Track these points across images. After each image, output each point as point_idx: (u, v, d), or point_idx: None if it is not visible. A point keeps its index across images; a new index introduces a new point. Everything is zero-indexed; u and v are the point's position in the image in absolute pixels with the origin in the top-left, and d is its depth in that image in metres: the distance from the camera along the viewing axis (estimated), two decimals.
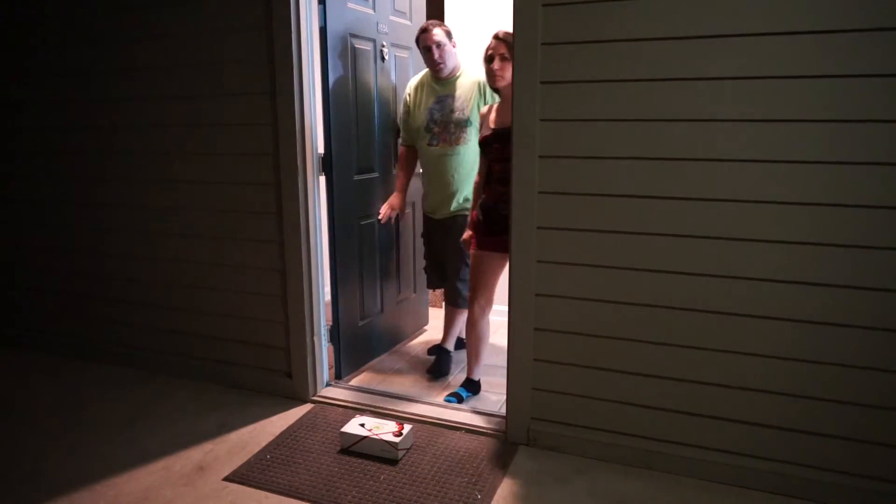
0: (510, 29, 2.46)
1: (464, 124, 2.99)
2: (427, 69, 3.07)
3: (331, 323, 2.98)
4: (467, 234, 2.87)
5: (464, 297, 3.02)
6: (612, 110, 2.09)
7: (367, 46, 2.97)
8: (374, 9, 3.00)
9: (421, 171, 3.22)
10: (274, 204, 2.71)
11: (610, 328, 2.24)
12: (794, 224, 1.96)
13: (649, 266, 2.15)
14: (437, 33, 2.91)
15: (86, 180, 3.10)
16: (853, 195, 1.88)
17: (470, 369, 2.89)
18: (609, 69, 2.06)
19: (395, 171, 3.27)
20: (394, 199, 3.21)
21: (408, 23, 3.28)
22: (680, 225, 2.08)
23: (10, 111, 3.21)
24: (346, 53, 2.85)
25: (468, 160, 3.02)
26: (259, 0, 2.54)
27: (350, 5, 2.85)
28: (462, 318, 3.13)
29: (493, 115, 2.67)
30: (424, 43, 2.93)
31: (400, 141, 3.22)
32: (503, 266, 2.65)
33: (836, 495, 2.06)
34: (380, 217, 3.16)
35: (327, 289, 2.98)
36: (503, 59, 2.54)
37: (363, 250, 3.10)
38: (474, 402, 2.81)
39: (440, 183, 3.08)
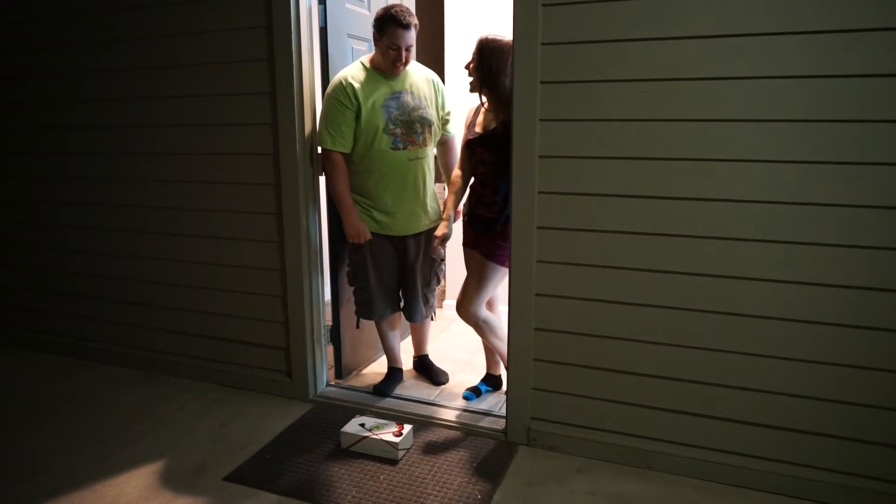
0: (502, 30, 2.47)
1: (428, 124, 2.68)
2: (360, 62, 2.64)
3: (331, 323, 2.98)
4: (442, 231, 2.66)
5: (430, 305, 2.90)
6: (612, 110, 2.08)
7: (363, 47, 2.97)
8: (368, 9, 3.00)
9: (362, 181, 2.68)
10: (274, 204, 2.71)
11: (610, 328, 2.24)
12: (794, 224, 1.96)
13: (649, 266, 2.15)
14: (413, 35, 2.53)
15: (85, 180, 3.10)
16: (854, 195, 1.88)
17: (488, 364, 2.91)
18: (609, 69, 2.06)
19: (336, 186, 2.62)
20: (359, 222, 2.66)
21: None
22: (680, 225, 2.08)
23: (11, 111, 3.21)
24: (345, 53, 2.85)
25: (431, 164, 2.77)
26: (259, 0, 2.54)
27: (348, 6, 2.86)
28: (428, 324, 3.03)
29: (479, 118, 2.60)
30: (396, 41, 2.49)
31: (331, 146, 2.58)
32: (486, 266, 2.60)
33: (836, 495, 2.06)
34: (356, 242, 2.70)
35: (327, 289, 2.98)
36: (474, 70, 2.48)
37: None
38: (477, 402, 2.80)
39: (409, 192, 2.68)
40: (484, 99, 2.54)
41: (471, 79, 2.52)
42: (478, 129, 2.59)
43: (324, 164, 2.67)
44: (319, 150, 2.66)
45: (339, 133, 2.58)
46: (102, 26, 2.88)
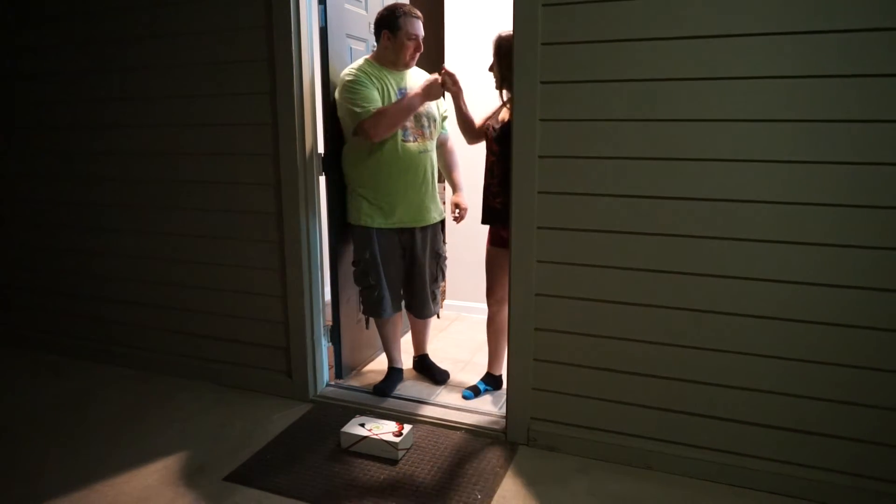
0: (508, 29, 2.48)
1: (433, 119, 2.75)
2: (366, 59, 2.69)
3: (331, 323, 2.98)
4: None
5: (437, 302, 2.93)
6: (612, 110, 2.09)
7: (361, 47, 2.98)
8: (366, 9, 3.01)
9: (373, 174, 2.68)
10: (274, 204, 2.71)
11: (610, 328, 2.24)
12: (794, 224, 1.96)
13: (649, 266, 2.15)
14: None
15: (85, 180, 3.10)
16: (854, 195, 1.88)
17: (490, 364, 2.91)
18: (609, 69, 2.06)
19: (390, 110, 2.55)
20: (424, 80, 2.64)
21: None
22: (680, 225, 2.08)
23: (10, 111, 3.21)
24: (345, 53, 2.85)
25: (436, 158, 2.84)
26: (259, 0, 2.54)
27: (347, 6, 2.87)
28: (429, 323, 3.03)
29: (503, 112, 2.62)
30: (413, 30, 2.62)
31: (366, 114, 2.54)
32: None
33: (836, 495, 2.06)
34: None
35: (327, 289, 2.98)
36: (494, 68, 2.58)
37: None
38: (477, 403, 2.80)
39: (420, 184, 2.72)
40: (506, 95, 2.58)
41: (494, 78, 2.58)
42: (501, 120, 2.62)
43: (370, 128, 2.53)
44: (356, 131, 2.59)
45: (370, 101, 2.55)
46: (103, 26, 2.87)
